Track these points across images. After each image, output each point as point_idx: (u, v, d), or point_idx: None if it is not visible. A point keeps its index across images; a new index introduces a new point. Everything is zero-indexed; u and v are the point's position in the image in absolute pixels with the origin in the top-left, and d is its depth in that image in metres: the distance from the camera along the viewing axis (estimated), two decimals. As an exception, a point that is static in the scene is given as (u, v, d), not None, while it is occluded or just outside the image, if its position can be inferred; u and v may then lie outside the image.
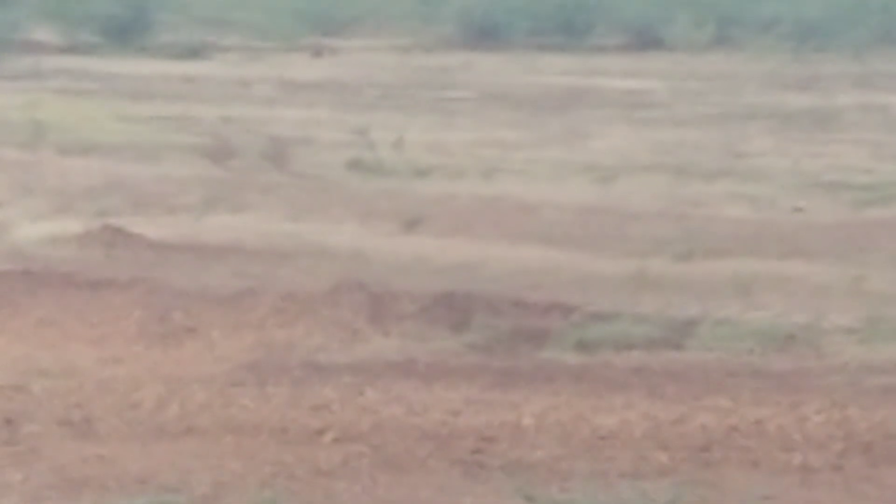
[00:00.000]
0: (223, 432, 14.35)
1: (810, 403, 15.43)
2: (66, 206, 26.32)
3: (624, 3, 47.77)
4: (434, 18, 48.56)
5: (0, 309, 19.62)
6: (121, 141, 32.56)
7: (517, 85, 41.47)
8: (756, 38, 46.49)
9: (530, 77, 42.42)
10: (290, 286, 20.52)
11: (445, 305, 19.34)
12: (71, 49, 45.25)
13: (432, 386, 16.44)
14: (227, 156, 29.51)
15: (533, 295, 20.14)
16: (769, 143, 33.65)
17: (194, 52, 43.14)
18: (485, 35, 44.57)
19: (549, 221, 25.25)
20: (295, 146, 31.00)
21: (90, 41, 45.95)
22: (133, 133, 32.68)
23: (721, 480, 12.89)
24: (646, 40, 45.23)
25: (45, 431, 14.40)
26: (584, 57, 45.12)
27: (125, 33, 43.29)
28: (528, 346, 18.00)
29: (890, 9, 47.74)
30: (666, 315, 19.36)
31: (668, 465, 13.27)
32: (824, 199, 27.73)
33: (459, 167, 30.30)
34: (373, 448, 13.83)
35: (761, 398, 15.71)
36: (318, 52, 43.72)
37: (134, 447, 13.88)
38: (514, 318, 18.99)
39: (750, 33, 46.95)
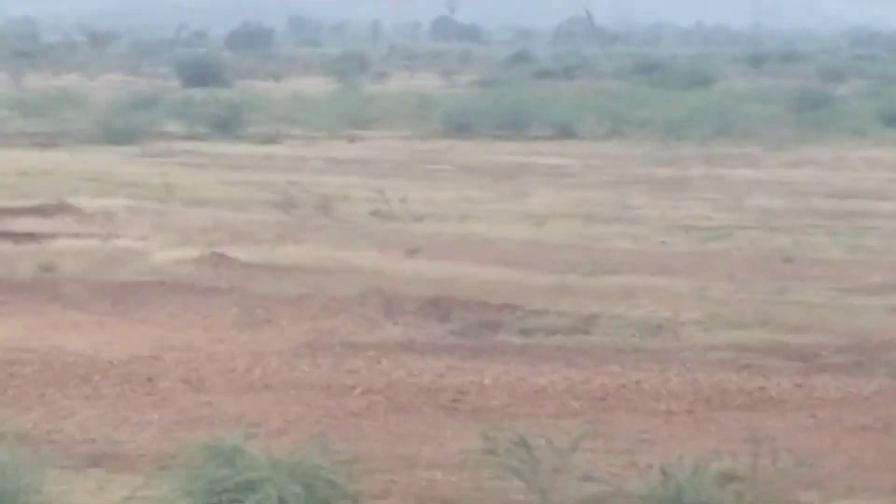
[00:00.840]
0: (289, 388, 17.40)
1: (671, 370, 18.58)
2: (186, 240, 29.73)
3: (551, 108, 60.22)
4: (427, 118, 61.03)
5: (143, 306, 23.17)
6: (223, 197, 37.90)
7: (481, 161, 49.18)
8: (637, 131, 56.65)
9: (490, 156, 50.58)
10: (333, 292, 23.53)
11: (434, 305, 22.59)
12: (190, 137, 54.36)
13: (425, 358, 19.12)
14: (292, 207, 34.26)
15: (491, 298, 23.15)
16: (645, 200, 38.52)
17: (271, 139, 53.43)
18: (460, 128, 57.29)
19: (502, 251, 28.95)
20: (336, 201, 35.56)
21: (203, 131, 55.16)
22: (231, 192, 38.05)
23: (613, 421, 15.59)
24: (565, 132, 56.52)
25: (173, 387, 17.62)
26: (525, 143, 54.77)
27: (226, 126, 54.52)
28: (488, 332, 21.21)
29: (726, 112, 60.12)
30: (578, 312, 22.36)
31: (579, 410, 16.13)
32: (681, 236, 31.99)
33: (443, 215, 35.12)
34: (386, 398, 16.72)
35: (640, 366, 18.81)
36: (351, 139, 54.22)
37: (231, 397, 16.79)
38: (479, 314, 22.15)
39: (633, 128, 57.45)
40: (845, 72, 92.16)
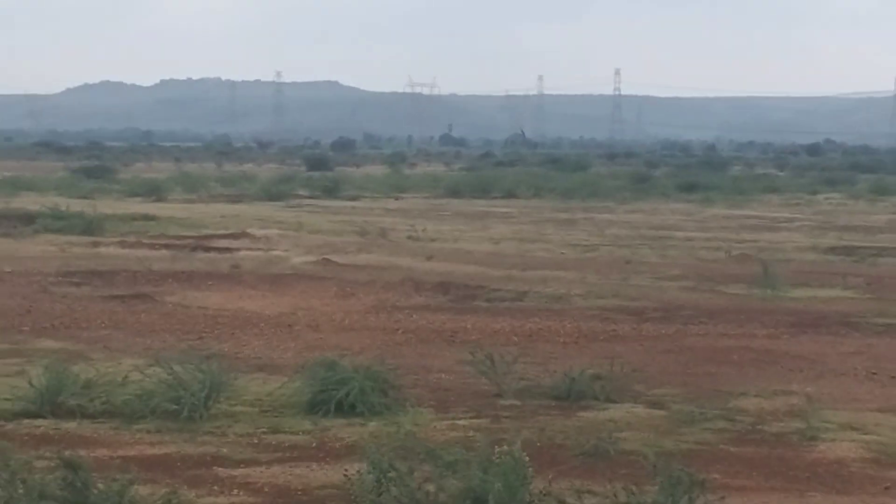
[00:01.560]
0: (363, 329, 22.08)
1: (566, 320, 23.36)
2: (309, 251, 35.28)
3: (502, 181, 75.82)
4: (437, 187, 73.59)
5: (286, 287, 27.50)
6: (328, 229, 44.04)
7: (465, 210, 56.78)
8: (548, 194, 69.15)
9: (469, 208, 58.42)
10: (386, 279, 28.63)
11: (440, 286, 27.74)
12: (311, 197, 65.10)
13: (436, 314, 24.13)
14: (364, 234, 40.59)
15: (471, 282, 28.51)
16: (552, 231, 45.02)
17: (354, 198, 63.71)
18: (454, 193, 69.32)
19: (476, 257, 35.31)
20: (388, 231, 41.87)
21: (318, 194, 67.17)
22: (333, 226, 44.12)
23: (535, 347, 20.35)
24: (510, 195, 68.42)
25: (301, 329, 21.94)
26: (488, 200, 64.04)
27: (330, 191, 67.28)
28: (469, 300, 26.26)
29: (595, 184, 75.80)
30: (517, 289, 27.57)
31: (517, 341, 20.73)
32: (570, 250, 38.12)
33: (444, 238, 41.54)
34: (415, 335, 21.58)
35: (549, 319, 23.69)
36: (396, 198, 65.09)
37: (332, 335, 21.37)
38: (464, 290, 27.30)
39: (545, 192, 69.90)
40: (659, 163, 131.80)
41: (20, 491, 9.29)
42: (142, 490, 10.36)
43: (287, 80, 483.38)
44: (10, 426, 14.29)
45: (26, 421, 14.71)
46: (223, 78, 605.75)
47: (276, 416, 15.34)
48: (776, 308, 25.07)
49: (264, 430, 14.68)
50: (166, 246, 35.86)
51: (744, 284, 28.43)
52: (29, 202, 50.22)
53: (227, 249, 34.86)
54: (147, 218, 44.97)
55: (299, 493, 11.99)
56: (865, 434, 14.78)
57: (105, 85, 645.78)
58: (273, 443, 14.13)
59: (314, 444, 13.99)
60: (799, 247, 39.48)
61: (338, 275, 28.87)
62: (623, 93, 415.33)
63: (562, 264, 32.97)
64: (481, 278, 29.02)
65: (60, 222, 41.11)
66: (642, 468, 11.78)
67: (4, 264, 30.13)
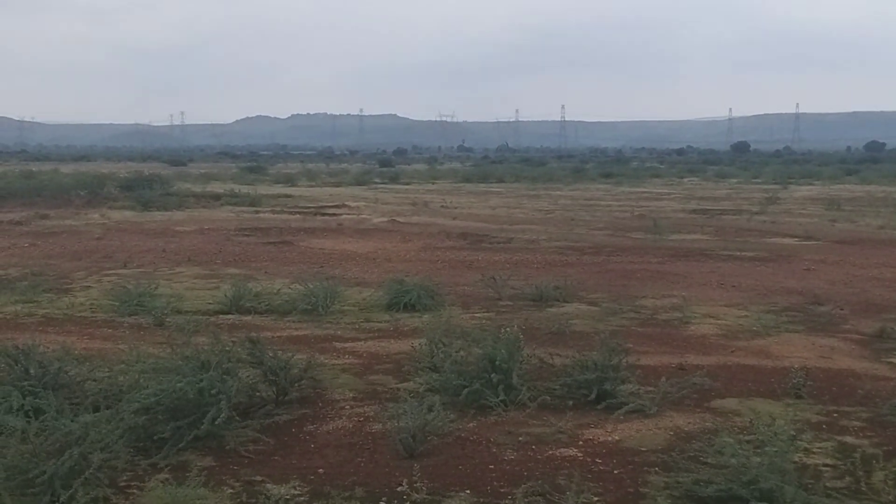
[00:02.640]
0: (417, 261, 21.62)
1: (537, 254, 23.06)
2: (383, 215, 34.05)
3: (497, 172, 75.37)
4: (456, 176, 72.09)
5: (384, 235, 26.74)
6: (394, 201, 46.20)
7: (473, 191, 53.26)
8: (523, 180, 67.25)
9: (475, 189, 56.73)
10: (429, 231, 27.97)
11: (461, 235, 26.92)
12: (383, 183, 62.79)
13: (458, 251, 23.74)
14: (415, 204, 38.66)
15: (479, 233, 27.72)
16: (526, 202, 44.68)
17: (407, 183, 62.80)
18: (467, 180, 67.29)
19: (481, 217, 33.75)
20: (429, 202, 41.47)
21: (387, 181, 64.85)
22: (397, 200, 43.39)
23: (519, 271, 19.84)
24: (500, 181, 63.52)
25: (381, 261, 21.30)
26: (487, 186, 64.78)
27: (394, 179, 65.54)
28: (479, 243, 25.50)
29: (549, 173, 76.36)
30: (507, 237, 26.89)
31: (509, 267, 20.31)
32: (538, 214, 36.29)
33: (463, 206, 39.97)
34: (448, 264, 21.26)
35: (526, 253, 23.23)
36: (433, 182, 61.00)
37: (399, 264, 20.91)
38: (476, 238, 26.50)
39: (522, 179, 68.23)
40: (588, 160, 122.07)
41: (224, 356, 9.34)
42: (294, 356, 10.38)
43: (366, 114, 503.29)
44: (213, 319, 14.44)
45: (222, 316, 14.89)
46: (328, 112, 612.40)
47: (368, 312, 15.42)
48: (662, 246, 24.95)
49: (362, 320, 14.82)
50: (298, 212, 35.71)
51: (642, 232, 28.25)
52: (216, 187, 50.54)
53: (334, 214, 34.57)
54: (286, 196, 44.78)
55: (384, 356, 12.10)
56: (718, 320, 14.90)
57: (259, 117, 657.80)
58: (367, 328, 14.23)
59: (391, 328, 14.10)
60: (674, 209, 39.15)
61: (400, 229, 28.54)
62: (567, 118, 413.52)
63: (532, 221, 32.64)
64: (485, 230, 28.64)
65: (235, 199, 41.42)
66: (588, 340, 12.03)
67: (204, 224, 30.40)
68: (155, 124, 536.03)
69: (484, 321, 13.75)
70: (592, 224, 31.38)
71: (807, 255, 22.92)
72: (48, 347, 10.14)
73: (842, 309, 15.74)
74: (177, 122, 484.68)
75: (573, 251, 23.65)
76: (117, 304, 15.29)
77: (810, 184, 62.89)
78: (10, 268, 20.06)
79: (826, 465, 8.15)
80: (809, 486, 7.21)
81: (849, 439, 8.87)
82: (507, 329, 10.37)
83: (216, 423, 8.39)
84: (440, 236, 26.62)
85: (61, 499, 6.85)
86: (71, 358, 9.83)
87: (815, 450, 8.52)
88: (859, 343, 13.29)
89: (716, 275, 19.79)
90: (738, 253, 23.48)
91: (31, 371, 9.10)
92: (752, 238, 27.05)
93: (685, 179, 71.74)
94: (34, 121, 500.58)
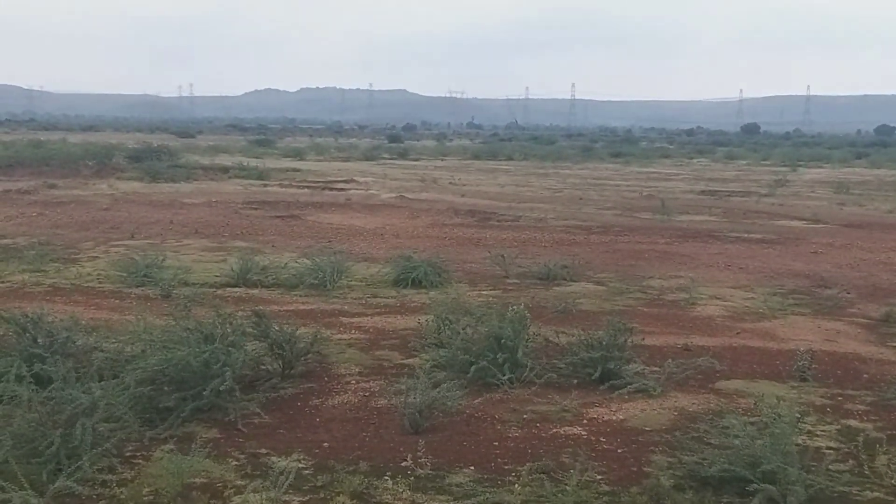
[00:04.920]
0: (425, 238, 21.55)
1: (545, 233, 22.94)
2: (391, 191, 33.91)
3: (506, 150, 74.57)
4: (466, 153, 70.96)
5: (383, 211, 26.52)
6: (402, 177, 43.74)
7: (483, 167, 53.08)
8: (532, 158, 66.24)
9: (484, 166, 56.66)
10: (437, 208, 27.74)
11: (470, 212, 26.83)
12: (392, 159, 62.41)
13: (466, 228, 23.66)
14: (423, 181, 38.57)
15: (487, 210, 27.60)
16: (534, 181, 44.41)
17: (416, 159, 61.76)
18: (476, 157, 66.44)
19: (489, 195, 33.44)
20: (438, 179, 41.13)
21: (395, 157, 63.82)
22: (405, 177, 42.52)
23: (527, 249, 19.98)
24: (510, 158, 65.32)
25: (389, 236, 21.24)
26: (496, 163, 59.02)
27: (403, 155, 64.34)
28: (487, 221, 25.41)
29: (558, 151, 75.95)
30: (515, 215, 26.74)
31: (516, 245, 20.47)
32: (546, 192, 36.16)
33: (471, 183, 39.67)
34: (456, 241, 21.18)
35: (535, 232, 23.19)
36: (442, 159, 62.69)
37: (406, 240, 20.79)
38: (484, 215, 26.40)
39: (531, 156, 67.89)
40: (598, 140, 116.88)
41: (228, 329, 9.37)
42: (301, 330, 10.44)
43: (375, 88, 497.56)
44: (219, 292, 14.46)
45: (228, 289, 14.91)
46: (337, 86, 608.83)
47: (375, 288, 15.41)
48: (670, 226, 24.86)
49: (368, 295, 14.81)
50: (307, 186, 35.68)
51: (650, 213, 28.14)
52: (225, 160, 50.43)
53: (342, 189, 34.51)
54: (294, 170, 44.70)
55: (390, 332, 12.10)
56: (724, 301, 14.90)
57: (268, 90, 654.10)
58: (374, 303, 14.22)
59: (398, 304, 14.08)
60: (682, 190, 39.03)
61: (408, 205, 28.56)
62: (577, 97, 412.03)
63: (541, 200, 32.59)
64: (493, 207, 28.62)
65: (244, 172, 41.34)
66: (594, 320, 12.03)
67: (212, 196, 30.35)
68: (164, 95, 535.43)
69: (491, 299, 13.73)
70: (601, 203, 31.28)
71: (814, 238, 22.86)
72: (56, 317, 10.17)
73: (848, 293, 15.73)
74: (185, 94, 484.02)
75: (581, 230, 23.57)
76: (125, 274, 15.35)
77: (819, 167, 62.59)
78: (18, 237, 20.11)
79: (829, 448, 8.13)
80: (812, 468, 7.19)
81: (853, 423, 8.84)
82: (514, 307, 10.36)
83: (219, 392, 8.42)
84: (448, 213, 26.54)
85: (68, 469, 6.90)
86: (79, 328, 9.88)
87: (818, 432, 8.51)
88: (865, 327, 13.27)
89: (723, 256, 19.74)
90: (746, 235, 23.40)
91: (39, 340, 9.15)
92: (760, 220, 26.95)
93: (694, 160, 71.42)
94: (43, 90, 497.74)
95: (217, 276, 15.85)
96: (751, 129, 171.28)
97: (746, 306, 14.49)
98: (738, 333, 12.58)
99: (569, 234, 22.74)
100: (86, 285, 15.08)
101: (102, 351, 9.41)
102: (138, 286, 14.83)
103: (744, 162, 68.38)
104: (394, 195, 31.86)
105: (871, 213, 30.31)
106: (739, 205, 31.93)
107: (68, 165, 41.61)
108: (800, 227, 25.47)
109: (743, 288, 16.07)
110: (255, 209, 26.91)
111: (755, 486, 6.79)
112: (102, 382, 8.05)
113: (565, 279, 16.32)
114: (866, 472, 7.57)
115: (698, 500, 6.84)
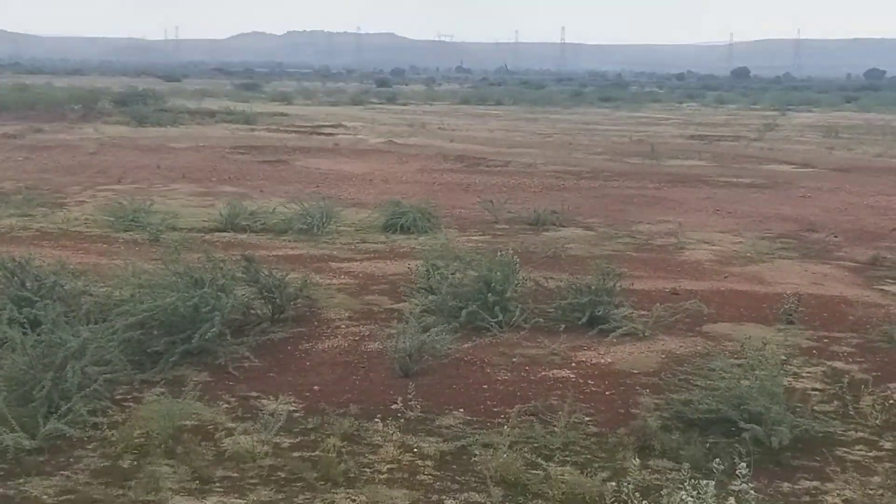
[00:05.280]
0: (415, 183, 21.51)
1: (534, 178, 22.92)
2: (379, 136, 34.03)
3: (495, 95, 71.86)
4: (455, 98, 69.42)
5: (370, 156, 26.39)
6: (390, 122, 42.53)
7: (471, 112, 52.01)
8: (521, 103, 63.47)
9: (474, 111, 59.20)
10: (426, 154, 27.70)
11: (459, 158, 26.69)
12: (381, 103, 59.73)
13: (456, 173, 23.73)
14: (412, 126, 38.27)
15: (477, 155, 27.45)
16: (524, 126, 43.74)
17: (405, 104, 60.18)
18: (465, 101, 64.60)
19: (479, 140, 33.14)
20: (427, 124, 41.02)
21: (383, 102, 61.95)
22: (393, 121, 42.54)
23: (516, 194, 19.91)
24: (499, 103, 62.63)
25: (378, 182, 21.33)
26: (486, 108, 56.36)
27: (392, 100, 62.80)
28: (476, 166, 25.30)
29: (548, 96, 73.22)
30: (504, 160, 26.70)
31: (505, 190, 20.26)
32: (535, 137, 35.86)
33: (461, 128, 39.14)
34: (446, 186, 21.20)
35: (524, 177, 23.17)
36: (430, 104, 60.36)
37: (395, 185, 21.01)
38: (474, 160, 26.28)
39: (521, 101, 65.52)
40: (588, 84, 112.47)
41: (218, 274, 9.39)
42: (290, 274, 10.47)
43: (363, 32, 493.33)
44: (207, 237, 14.48)
45: (217, 234, 14.96)
46: (325, 30, 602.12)
47: (364, 233, 15.46)
48: (659, 171, 24.89)
49: (357, 241, 14.86)
50: (294, 131, 35.41)
51: (640, 157, 28.13)
52: (211, 104, 50.01)
53: (330, 134, 34.33)
54: (282, 115, 44.32)
55: (380, 277, 12.15)
56: (713, 246, 14.99)
57: (254, 34, 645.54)
58: (363, 248, 14.27)
59: (387, 250, 14.14)
60: (672, 135, 38.87)
61: (397, 150, 28.49)
62: (566, 41, 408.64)
63: (530, 145, 32.52)
64: (483, 153, 28.60)
65: (231, 116, 41.13)
66: (583, 265, 12.06)
67: (199, 141, 30.14)
68: (149, 38, 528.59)
69: (480, 244, 13.77)
70: (590, 148, 31.24)
71: (803, 183, 22.96)
72: (43, 261, 10.18)
73: (836, 236, 15.88)
74: (171, 37, 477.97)
75: (570, 175, 23.61)
76: (112, 219, 15.37)
77: (809, 111, 62.53)
78: (4, 181, 20.06)
79: (815, 390, 8.24)
80: (798, 409, 7.31)
81: (838, 364, 8.97)
82: (503, 252, 10.41)
83: (207, 337, 8.47)
84: (437, 158, 26.50)
85: (60, 411, 6.94)
86: (66, 272, 9.89)
87: (804, 374, 8.62)
88: (852, 270, 13.39)
89: (712, 201, 19.79)
90: (735, 179, 23.47)
91: (28, 284, 9.17)
92: (750, 165, 27.00)
93: (684, 105, 71.16)
94: (27, 33, 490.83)
95: (205, 221, 15.87)
96: (741, 74, 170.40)
97: (734, 251, 14.57)
98: (725, 277, 12.66)
99: (558, 180, 22.77)
100: (73, 230, 15.09)
101: (91, 295, 9.47)
102: (126, 231, 14.85)
103: (733, 106, 68.26)
104: (382, 140, 31.65)
105: (859, 157, 30.37)
106: (729, 149, 31.89)
107: (54, 110, 41.31)
108: (789, 172, 25.53)
109: (731, 232, 16.15)
110: (243, 154, 26.78)
111: (740, 426, 6.86)
112: (91, 326, 8.08)
113: (554, 224, 16.36)
114: (851, 413, 7.68)
115: (685, 440, 6.94)
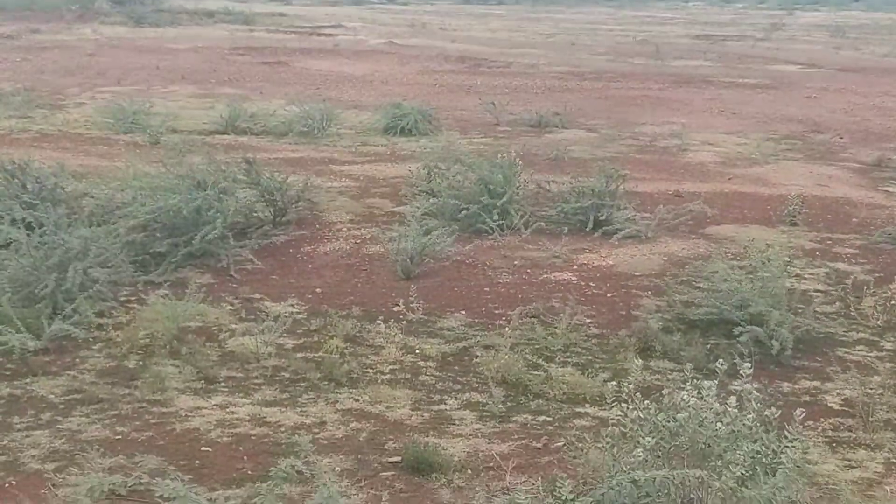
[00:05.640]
0: (415, 84, 20.86)
1: (537, 78, 22.41)
2: (380, 36, 32.97)
3: None
4: None
5: (371, 56, 26.03)
6: (391, 23, 42.37)
7: (473, 12, 51.71)
8: (525, 1, 55.07)
9: (476, 10, 49.15)
10: (428, 54, 27.07)
11: (460, 58, 26.00)
12: (381, 2, 53.45)
13: (458, 75, 22.90)
14: (414, 26, 36.42)
15: (478, 56, 26.70)
16: (527, 24, 41.81)
17: (405, 3, 51.82)
18: (467, 1, 54.47)
19: (481, 41, 31.87)
20: (428, 24, 39.33)
21: (383, 1, 53.55)
22: (394, 21, 41.62)
23: (519, 96, 19.25)
24: (501, 3, 53.33)
25: (377, 83, 20.85)
26: (487, 7, 52.69)
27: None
28: (478, 67, 24.60)
29: None
30: (506, 61, 25.92)
31: (507, 92, 19.59)
32: (539, 38, 35.04)
33: (462, 29, 37.65)
34: (446, 88, 20.58)
35: (526, 78, 22.53)
36: (431, 4, 51.81)
37: (396, 87, 20.29)
38: (475, 61, 25.57)
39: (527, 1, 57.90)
40: None
41: (220, 175, 9.37)
42: (291, 177, 10.44)
43: None
44: (208, 139, 14.39)
45: (217, 136, 14.84)
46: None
47: (365, 136, 15.34)
48: (664, 72, 24.47)
49: (358, 143, 14.75)
50: (294, 32, 34.54)
51: (644, 58, 27.57)
52: (209, 4, 48.70)
53: (330, 35, 33.39)
54: (281, 15, 43.21)
55: (381, 180, 12.09)
56: (717, 147, 14.88)
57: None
58: (364, 151, 14.17)
59: (388, 152, 14.04)
60: (677, 35, 37.93)
61: (398, 51, 27.86)
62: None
63: (533, 45, 31.58)
64: (484, 53, 27.89)
65: (229, 16, 40.25)
66: (585, 167, 11.95)
67: (198, 42, 29.70)
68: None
69: (482, 146, 13.64)
70: (594, 49, 30.48)
71: (809, 83, 22.68)
72: (44, 163, 10.08)
73: (841, 137, 15.76)
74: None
75: (573, 76, 23.21)
76: (112, 121, 15.25)
77: (816, 10, 61.27)
78: (2, 82, 19.78)
79: (817, 291, 8.27)
80: (800, 310, 7.33)
81: (841, 266, 8.98)
82: (505, 154, 10.31)
83: (208, 238, 8.46)
84: (438, 59, 25.92)
85: (65, 312, 6.98)
86: (67, 174, 9.85)
87: (807, 276, 8.63)
88: (857, 171, 13.31)
89: (717, 102, 19.57)
90: (741, 80, 23.15)
91: (28, 186, 9.13)
92: (755, 65, 26.58)
93: (689, 3, 69.30)
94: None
95: (205, 123, 15.70)
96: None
97: (739, 152, 14.47)
98: (729, 179, 12.58)
99: (561, 81, 22.42)
100: (73, 132, 14.96)
101: (93, 197, 9.43)
102: (126, 133, 14.72)
103: (740, 5, 66.63)
104: (383, 41, 30.94)
105: (866, 57, 29.91)
106: (734, 49, 31.24)
107: (51, 10, 40.36)
108: (795, 72, 25.19)
109: (736, 133, 16.01)
110: (242, 55, 26.31)
111: (742, 328, 6.88)
112: (94, 228, 8.08)
113: (557, 126, 16.18)
114: (853, 314, 7.71)
115: (686, 341, 6.97)
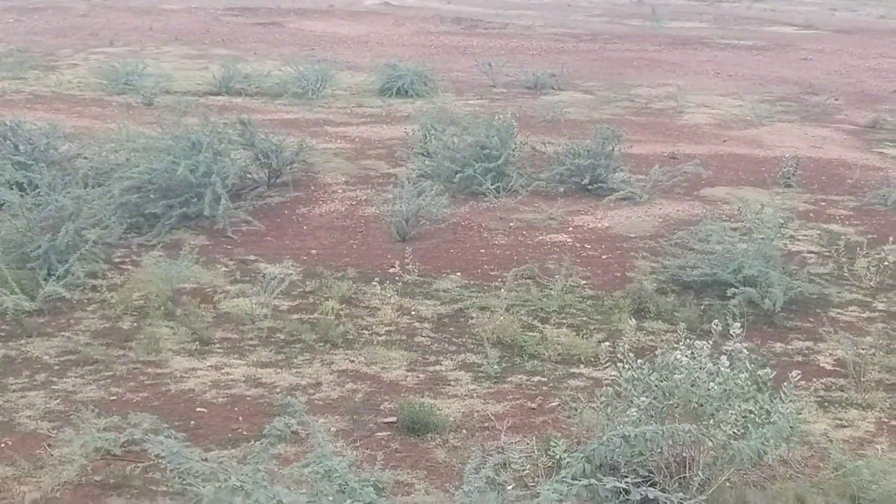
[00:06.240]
0: (410, 46, 20.51)
1: (532, 40, 22.16)
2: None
3: None
4: None
5: (362, 19, 25.40)
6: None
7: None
8: None
9: None
10: (423, 16, 26.46)
11: (456, 20, 25.61)
12: None
13: (454, 36, 22.60)
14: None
15: (475, 17, 26.35)
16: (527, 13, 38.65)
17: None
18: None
19: (475, 1, 31.38)
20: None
21: None
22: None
23: (515, 57, 18.92)
24: None
25: (372, 45, 20.49)
26: None
27: None
28: (474, 28, 24.32)
29: None
30: (502, 22, 25.56)
31: (503, 54, 19.41)
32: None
33: None
34: (442, 49, 20.27)
35: (522, 40, 22.31)
36: None
37: (391, 48, 19.79)
38: (471, 22, 25.12)
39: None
40: None
41: (217, 136, 9.27)
42: (286, 139, 10.37)
43: None
44: (202, 100, 14.23)
45: (211, 97, 14.71)
46: None
47: (360, 97, 15.23)
48: (660, 34, 24.32)
49: (354, 105, 14.66)
50: (288, -8, 34.45)
51: (640, 19, 27.36)
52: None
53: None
54: (275, -25, 43.06)
55: (376, 141, 12.03)
56: (712, 109, 14.83)
57: None
58: (359, 112, 14.08)
59: (384, 114, 13.96)
60: (673, -4, 37.88)
61: (393, 12, 27.37)
62: None
63: (529, 6, 30.99)
64: (480, 15, 27.39)
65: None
66: (581, 128, 11.90)
67: (191, 2, 28.97)
68: None
69: (477, 108, 13.56)
70: (589, 10, 30.15)
71: (805, 45, 22.59)
72: (37, 124, 9.99)
73: (836, 99, 15.72)
74: None
75: (569, 38, 22.98)
76: (105, 82, 15.15)
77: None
78: (-6, 44, 19.65)
79: (811, 252, 8.30)
80: (793, 271, 7.36)
81: (835, 227, 9.00)
82: (501, 116, 10.24)
83: (211, 206, 8.38)
84: (434, 20, 25.60)
85: (58, 273, 6.96)
86: (59, 135, 9.75)
87: (800, 237, 8.64)
88: (852, 133, 13.30)
89: (712, 63, 19.47)
90: (737, 41, 23.01)
91: (21, 147, 9.07)
92: (752, 26, 26.38)
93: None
94: None
95: (199, 84, 15.59)
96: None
97: (734, 114, 14.42)
98: (724, 141, 12.55)
99: (557, 42, 22.19)
100: (67, 93, 14.85)
101: (86, 158, 9.35)
102: (120, 94, 14.62)
103: (737, -33, 66.38)
104: (378, 2, 30.14)
105: (862, 18, 29.74)
106: (730, 11, 30.97)
107: (42, -30, 40.22)
108: (791, 34, 25.05)
109: (731, 95, 15.95)
110: (236, 16, 25.96)
111: (735, 289, 6.88)
112: (88, 189, 8.02)
113: (553, 88, 16.11)
114: (846, 275, 7.74)
115: (680, 302, 7.00)
